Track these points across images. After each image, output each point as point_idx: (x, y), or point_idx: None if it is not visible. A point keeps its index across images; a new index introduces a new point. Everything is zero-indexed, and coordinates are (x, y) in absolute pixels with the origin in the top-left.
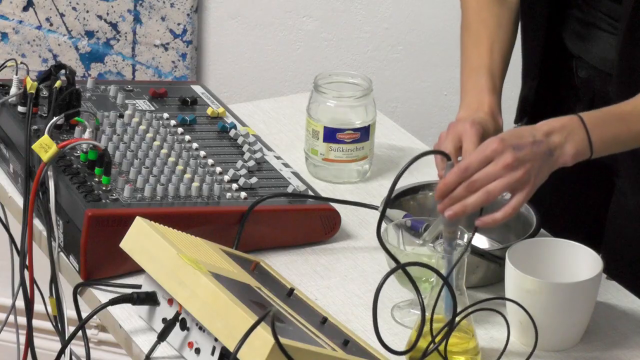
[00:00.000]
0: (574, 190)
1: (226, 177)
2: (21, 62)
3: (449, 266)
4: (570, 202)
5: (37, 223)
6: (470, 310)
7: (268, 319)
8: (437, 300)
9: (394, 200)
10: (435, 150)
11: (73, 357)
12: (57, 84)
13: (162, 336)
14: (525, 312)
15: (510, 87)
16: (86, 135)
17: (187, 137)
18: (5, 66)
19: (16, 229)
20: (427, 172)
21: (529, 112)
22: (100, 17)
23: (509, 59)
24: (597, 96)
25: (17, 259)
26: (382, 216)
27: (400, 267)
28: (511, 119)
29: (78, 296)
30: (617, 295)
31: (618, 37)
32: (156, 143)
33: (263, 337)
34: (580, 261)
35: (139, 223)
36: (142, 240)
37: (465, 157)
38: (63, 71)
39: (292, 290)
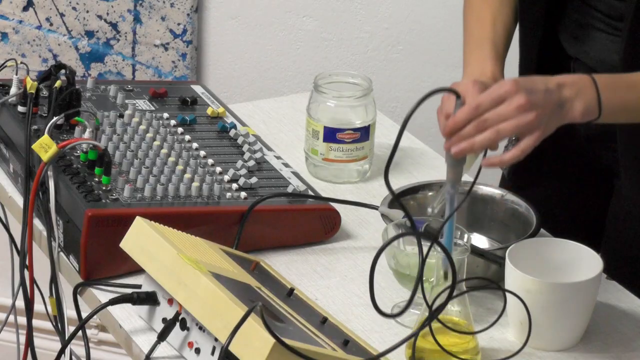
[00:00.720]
0: (574, 191)
1: (226, 177)
2: (21, 62)
3: (450, 209)
4: (570, 202)
5: (37, 223)
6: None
7: (258, 311)
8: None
9: (394, 200)
10: (446, 88)
11: (73, 357)
12: (57, 83)
13: (162, 336)
14: (521, 301)
15: None
16: (86, 135)
17: (187, 137)
18: (5, 66)
19: (16, 229)
20: (427, 172)
21: None
22: (100, 17)
23: (511, 35)
24: None
25: (17, 259)
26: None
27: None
28: None
29: (78, 296)
30: (617, 295)
31: (621, 37)
32: (156, 143)
33: (263, 337)
34: (580, 261)
35: (139, 223)
36: (142, 240)
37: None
38: (63, 71)
39: (292, 290)
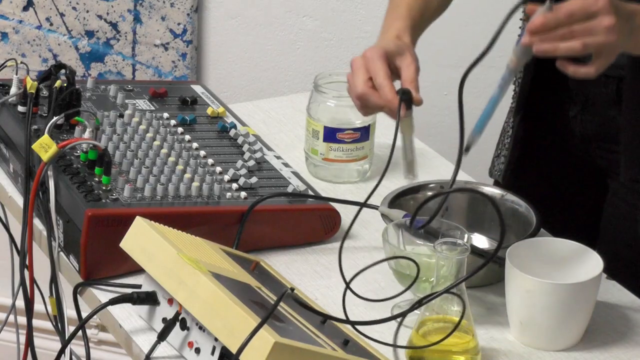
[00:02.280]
0: (569, 191)
1: (226, 177)
2: (21, 62)
3: (500, 92)
4: (565, 203)
5: (37, 223)
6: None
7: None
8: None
9: (394, 200)
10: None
11: (73, 357)
12: (57, 83)
13: (162, 336)
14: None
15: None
16: (86, 135)
17: (187, 137)
18: (5, 66)
19: (16, 229)
20: (427, 172)
21: (522, 107)
22: (100, 16)
23: (435, 10)
24: (589, 100)
25: (17, 258)
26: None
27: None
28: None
29: (78, 296)
30: (617, 295)
31: None
32: (156, 143)
33: (263, 336)
34: (580, 261)
35: (139, 223)
36: (142, 240)
37: (382, 89)
38: (63, 71)
39: (292, 290)
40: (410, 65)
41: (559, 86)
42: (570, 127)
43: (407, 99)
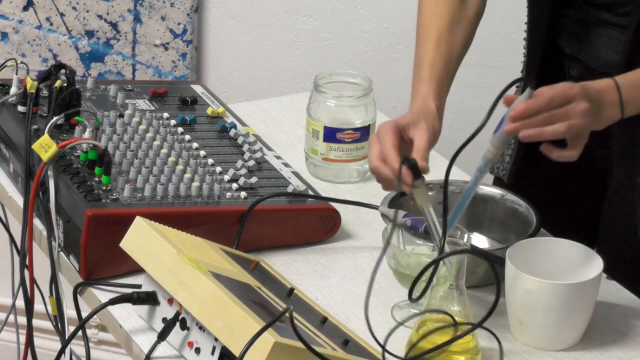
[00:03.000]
0: (570, 191)
1: (226, 177)
2: (21, 62)
3: (474, 183)
4: (566, 202)
5: (37, 223)
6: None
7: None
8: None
9: (393, 200)
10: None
11: (73, 356)
12: (57, 83)
13: (162, 336)
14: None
15: (503, 84)
16: (86, 135)
17: (187, 137)
18: (6, 66)
19: (16, 229)
20: None
21: None
22: (100, 16)
23: (458, 55)
24: None
25: (17, 258)
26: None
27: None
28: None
29: (78, 296)
30: (617, 295)
31: (625, 33)
32: (156, 143)
33: (263, 336)
34: (580, 261)
35: (139, 223)
36: (142, 240)
37: (387, 159)
38: (63, 71)
39: (292, 290)
40: (422, 135)
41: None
42: None
43: (413, 167)
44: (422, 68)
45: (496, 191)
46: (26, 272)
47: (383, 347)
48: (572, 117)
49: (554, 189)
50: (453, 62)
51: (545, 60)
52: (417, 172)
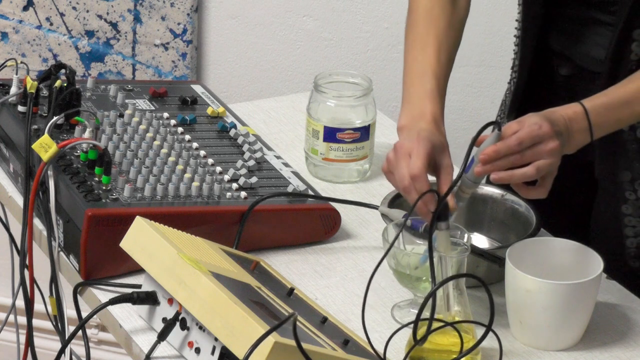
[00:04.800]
0: (566, 191)
1: (226, 177)
2: (21, 62)
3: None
4: (564, 202)
5: (37, 223)
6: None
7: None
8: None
9: (393, 200)
10: (491, 122)
11: (73, 356)
12: (57, 83)
13: (162, 336)
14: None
15: (503, 84)
16: (86, 134)
17: (187, 137)
18: (6, 66)
19: (16, 229)
20: None
21: (517, 107)
22: (100, 16)
23: (453, 61)
24: (577, 95)
25: (17, 258)
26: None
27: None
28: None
29: (78, 296)
30: (617, 295)
31: (612, 29)
32: (156, 142)
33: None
34: (580, 261)
35: (139, 223)
36: (142, 239)
37: (414, 172)
38: (63, 71)
39: (292, 289)
40: (448, 165)
41: (546, 82)
42: None
43: (443, 210)
44: (426, 79)
45: (496, 191)
46: (26, 272)
47: (382, 358)
48: (541, 157)
49: (552, 188)
50: (450, 68)
51: (536, 59)
52: (446, 215)
